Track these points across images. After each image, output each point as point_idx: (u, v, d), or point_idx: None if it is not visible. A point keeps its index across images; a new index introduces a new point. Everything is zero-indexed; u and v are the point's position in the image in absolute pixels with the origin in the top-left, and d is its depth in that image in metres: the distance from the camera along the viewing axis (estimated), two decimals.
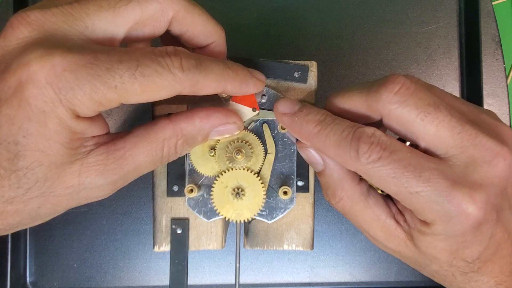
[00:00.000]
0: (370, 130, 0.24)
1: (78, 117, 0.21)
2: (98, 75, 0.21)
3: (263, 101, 0.29)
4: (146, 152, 0.24)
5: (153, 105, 0.30)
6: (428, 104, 0.24)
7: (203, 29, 0.26)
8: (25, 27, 0.22)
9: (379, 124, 0.25)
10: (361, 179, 0.27)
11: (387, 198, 0.27)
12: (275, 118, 0.29)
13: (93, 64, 0.21)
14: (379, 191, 0.27)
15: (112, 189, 0.24)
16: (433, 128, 0.24)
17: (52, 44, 0.21)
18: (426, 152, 0.24)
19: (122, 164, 0.23)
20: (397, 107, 0.24)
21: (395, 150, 0.23)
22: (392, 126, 0.25)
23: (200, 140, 0.26)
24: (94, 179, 0.23)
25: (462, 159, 0.23)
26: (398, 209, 0.26)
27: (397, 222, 0.26)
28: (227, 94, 0.25)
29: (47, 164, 0.21)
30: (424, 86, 0.25)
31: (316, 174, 0.28)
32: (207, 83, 0.23)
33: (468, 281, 0.25)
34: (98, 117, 0.23)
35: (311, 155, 0.27)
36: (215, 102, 0.29)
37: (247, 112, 0.28)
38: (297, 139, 0.29)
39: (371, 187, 0.27)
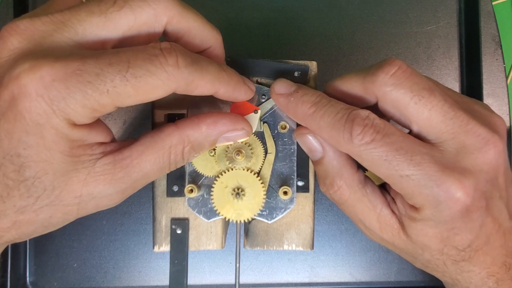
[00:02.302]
0: (365, 112, 0.24)
1: (74, 125, 0.21)
2: (88, 82, 0.20)
3: (263, 101, 0.29)
4: (153, 160, 0.23)
5: (153, 106, 0.30)
6: (423, 88, 0.24)
7: (199, 34, 0.26)
8: (15, 37, 0.22)
9: (375, 109, 0.25)
10: (358, 168, 0.27)
11: (382, 188, 0.27)
12: (274, 104, 0.29)
13: (82, 70, 0.20)
14: (377, 184, 0.27)
15: (121, 198, 0.24)
16: (426, 112, 0.24)
17: (40, 54, 0.21)
18: (418, 136, 0.25)
19: (129, 173, 0.23)
20: (392, 90, 0.24)
21: (388, 133, 0.23)
22: (387, 109, 0.25)
23: (208, 147, 0.25)
24: (103, 189, 0.22)
25: (453, 145, 0.24)
26: (392, 198, 0.26)
27: (392, 211, 0.26)
28: (219, 97, 0.25)
29: (52, 172, 0.21)
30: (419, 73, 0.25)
31: (312, 164, 0.28)
32: (202, 83, 0.23)
33: (460, 271, 0.25)
34: (98, 123, 0.23)
35: (310, 142, 0.27)
36: (213, 103, 0.29)
37: (252, 118, 0.28)
38: (295, 127, 0.29)
39: (367, 177, 0.27)
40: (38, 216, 0.22)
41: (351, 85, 0.26)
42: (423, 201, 0.23)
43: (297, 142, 0.29)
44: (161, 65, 0.21)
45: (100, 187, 0.22)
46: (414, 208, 0.24)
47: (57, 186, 0.22)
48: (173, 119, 0.29)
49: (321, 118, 0.25)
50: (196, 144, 0.25)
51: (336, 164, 0.26)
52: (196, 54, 0.24)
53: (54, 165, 0.21)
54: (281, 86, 0.27)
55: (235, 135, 0.26)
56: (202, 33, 0.26)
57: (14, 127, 0.21)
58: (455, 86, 0.40)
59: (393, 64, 0.24)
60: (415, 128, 0.25)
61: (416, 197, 0.24)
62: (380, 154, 0.23)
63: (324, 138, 0.26)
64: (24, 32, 0.22)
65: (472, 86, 0.40)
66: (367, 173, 0.27)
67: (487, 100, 0.38)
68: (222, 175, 0.28)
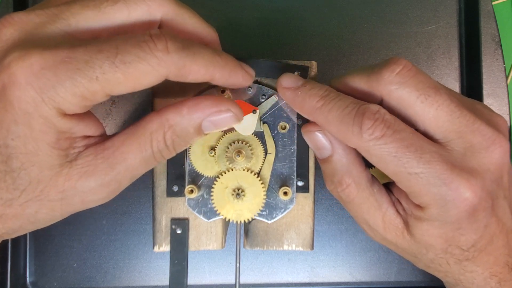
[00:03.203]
0: (375, 107, 0.24)
1: (64, 114, 0.21)
2: (77, 69, 0.20)
3: (263, 101, 0.29)
4: (135, 149, 0.23)
5: (153, 103, 0.30)
6: (428, 87, 0.24)
7: (194, 31, 0.25)
8: (7, 29, 0.22)
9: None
10: (366, 166, 0.27)
11: (386, 188, 0.27)
12: (275, 94, 0.29)
13: (71, 58, 0.20)
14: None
15: (106, 192, 0.23)
16: (432, 111, 0.24)
17: (31, 43, 0.21)
18: (424, 135, 0.24)
19: (112, 164, 0.22)
20: (398, 88, 0.24)
21: (398, 129, 0.23)
22: (392, 107, 0.25)
23: (193, 132, 0.24)
24: (85, 182, 0.22)
25: (460, 144, 0.24)
26: (396, 198, 0.26)
27: (397, 211, 0.26)
28: (215, 83, 0.25)
29: (38, 165, 0.21)
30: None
31: (318, 162, 0.28)
32: (194, 67, 0.22)
33: (463, 272, 0.25)
34: (88, 115, 0.23)
35: (318, 139, 0.27)
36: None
37: (251, 119, 0.28)
38: (301, 125, 0.29)
39: (374, 176, 0.27)
40: (24, 211, 0.22)
41: (356, 83, 0.26)
42: (429, 200, 0.23)
43: (297, 142, 0.29)
44: (150, 50, 0.21)
45: (82, 180, 0.22)
46: (419, 207, 0.24)
47: (41, 179, 0.22)
48: None
49: (330, 112, 0.25)
50: (178, 128, 0.23)
51: (345, 162, 0.26)
52: (189, 40, 0.23)
53: (40, 157, 0.21)
54: (288, 80, 0.27)
55: (221, 118, 0.24)
56: (197, 30, 0.26)
57: (3, 116, 0.21)
58: (455, 86, 0.40)
59: (398, 62, 0.24)
60: (421, 127, 0.24)
61: (423, 196, 0.23)
62: (389, 150, 0.23)
63: (332, 132, 0.26)
64: (17, 23, 0.22)
65: (472, 86, 0.39)
66: (371, 171, 0.27)
67: (487, 100, 0.38)
68: (222, 175, 0.28)
